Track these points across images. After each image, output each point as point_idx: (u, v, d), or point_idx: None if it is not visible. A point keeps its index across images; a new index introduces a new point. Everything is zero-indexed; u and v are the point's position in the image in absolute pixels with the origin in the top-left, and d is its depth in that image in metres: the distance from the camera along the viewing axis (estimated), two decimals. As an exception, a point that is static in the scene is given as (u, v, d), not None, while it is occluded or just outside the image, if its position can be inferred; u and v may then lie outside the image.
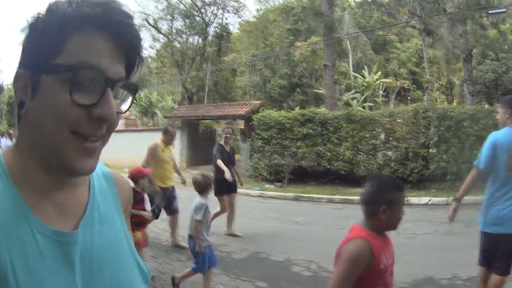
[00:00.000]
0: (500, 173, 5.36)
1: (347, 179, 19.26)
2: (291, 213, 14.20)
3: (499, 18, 32.48)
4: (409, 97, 40.87)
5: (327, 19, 27.49)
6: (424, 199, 15.57)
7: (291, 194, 17.61)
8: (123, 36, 1.10)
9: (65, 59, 1.03)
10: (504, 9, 25.81)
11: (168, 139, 9.87)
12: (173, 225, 9.93)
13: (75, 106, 1.03)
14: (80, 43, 1.05)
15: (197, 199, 6.96)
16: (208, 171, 9.51)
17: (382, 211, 3.02)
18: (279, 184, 20.08)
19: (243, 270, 8.06)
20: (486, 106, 20.38)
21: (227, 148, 10.97)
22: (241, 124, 24.32)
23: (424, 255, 8.75)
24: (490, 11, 25.01)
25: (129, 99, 1.20)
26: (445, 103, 36.71)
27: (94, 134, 1.08)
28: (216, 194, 10.04)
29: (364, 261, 2.90)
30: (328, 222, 12.83)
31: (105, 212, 1.28)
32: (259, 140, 21.23)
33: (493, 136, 5.46)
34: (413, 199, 15.48)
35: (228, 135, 11.12)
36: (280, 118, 21.16)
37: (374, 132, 19.73)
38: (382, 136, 19.59)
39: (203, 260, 6.80)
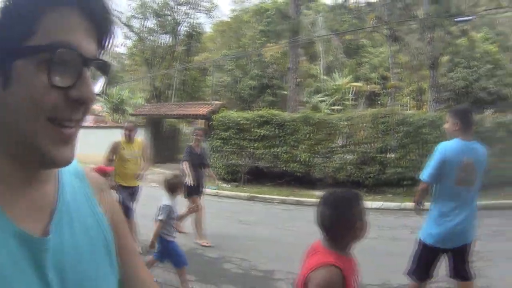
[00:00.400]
0: (449, 186, 5.34)
1: (303, 181, 19.29)
2: (242, 212, 14.42)
3: (470, 27, 32.85)
4: (379, 102, 41.02)
5: (293, 22, 27.57)
6: (377, 204, 15.56)
7: (245, 194, 17.72)
8: (96, 12, 1.04)
9: (40, 40, 0.95)
10: (472, 17, 26.01)
11: (125, 135, 9.67)
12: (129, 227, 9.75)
13: (53, 90, 0.96)
14: (54, 21, 0.98)
15: (164, 199, 7.04)
16: (171, 169, 9.48)
17: (358, 228, 2.92)
18: (236, 184, 20.06)
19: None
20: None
21: (197, 150, 10.71)
22: (201, 123, 24.30)
23: (362, 260, 8.59)
24: (456, 19, 25.12)
25: (102, 80, 1.12)
26: (415, 108, 36.97)
27: (71, 118, 1.01)
28: (186, 197, 9.94)
29: None
30: (274, 222, 13.05)
31: (77, 212, 1.19)
32: (218, 140, 21.15)
33: (442, 149, 5.40)
34: (367, 203, 15.37)
35: (199, 137, 10.89)
36: (239, 119, 21.06)
37: (331, 135, 19.59)
38: (340, 139, 19.53)
39: (175, 254, 7.00)
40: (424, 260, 5.50)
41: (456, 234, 5.31)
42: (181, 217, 8.22)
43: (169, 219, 6.91)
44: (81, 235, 1.15)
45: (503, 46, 37.46)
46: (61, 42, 0.95)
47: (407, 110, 32.20)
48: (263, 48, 35.14)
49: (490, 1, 29.08)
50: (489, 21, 37.79)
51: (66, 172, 1.20)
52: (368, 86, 41.54)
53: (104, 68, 1.09)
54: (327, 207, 2.94)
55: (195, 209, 9.86)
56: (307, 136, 19.69)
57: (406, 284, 6.43)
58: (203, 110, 25.26)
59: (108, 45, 1.10)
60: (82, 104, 1.00)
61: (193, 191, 10.15)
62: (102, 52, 1.09)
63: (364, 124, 18.88)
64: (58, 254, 1.06)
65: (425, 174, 5.47)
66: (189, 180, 9.82)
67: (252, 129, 20.74)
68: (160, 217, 6.76)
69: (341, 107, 35.40)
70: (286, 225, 12.63)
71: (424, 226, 5.54)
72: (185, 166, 10.18)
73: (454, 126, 5.46)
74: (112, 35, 1.09)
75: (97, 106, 48.49)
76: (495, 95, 32.41)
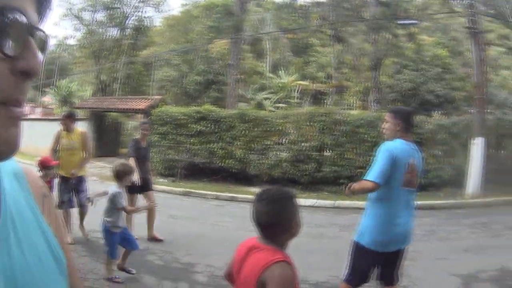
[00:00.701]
0: (395, 188, 5.13)
1: (239, 177, 19.45)
2: (174, 207, 14.46)
3: (418, 30, 33.37)
4: (324, 101, 41.25)
5: (236, 19, 27.67)
6: (311, 201, 15.73)
7: (180, 189, 17.74)
8: None
9: None
10: (415, 21, 26.34)
11: (63, 124, 9.70)
12: (80, 217, 9.78)
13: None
14: None
15: (112, 187, 7.14)
16: (112, 163, 9.33)
17: (294, 224, 2.96)
18: (173, 179, 20.02)
19: (100, 253, 8.03)
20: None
21: (143, 144, 10.40)
22: (140, 118, 24.31)
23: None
24: (399, 21, 25.43)
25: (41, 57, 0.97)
26: (360, 108, 37.35)
27: (17, 93, 0.90)
28: (128, 191, 9.34)
29: (293, 285, 2.80)
30: (205, 217, 13.25)
31: (23, 226, 1.04)
32: (156, 135, 20.98)
33: (390, 149, 5.17)
34: (300, 201, 15.45)
35: (145, 131, 10.56)
36: (177, 114, 21.06)
37: (267, 132, 19.70)
38: (275, 137, 19.61)
39: (112, 246, 7.12)
40: (365, 266, 5.27)
41: (400, 238, 5.19)
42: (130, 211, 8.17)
43: (113, 209, 7.00)
44: (31, 255, 1.01)
45: (454, 51, 38.07)
46: (8, 6, 0.86)
47: (352, 110, 32.41)
48: (207, 44, 35.17)
49: (442, 6, 29.49)
50: (443, 27, 38.35)
51: (3, 172, 1.07)
52: (314, 85, 41.76)
53: (44, 41, 0.99)
54: (263, 205, 2.96)
55: (134, 210, 9.20)
56: (243, 132, 19.84)
57: (323, 282, 6.57)
58: (142, 104, 25.32)
59: (46, 17, 1.02)
60: (30, 76, 0.90)
61: (136, 187, 9.75)
62: (42, 24, 1.00)
63: (301, 123, 18.98)
64: (10, 283, 0.94)
65: (374, 175, 5.11)
66: (136, 177, 9.34)
67: (189, 125, 20.78)
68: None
69: (286, 105, 35.53)
70: (215, 220, 12.77)
71: (364, 230, 5.24)
72: (131, 162, 9.52)
73: (395, 127, 5.33)
74: (51, 8, 1.02)
75: (46, 98, 47.99)
76: (443, 98, 32.88)
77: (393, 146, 5.18)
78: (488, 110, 21.66)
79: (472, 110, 19.06)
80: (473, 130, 18.26)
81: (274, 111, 27.23)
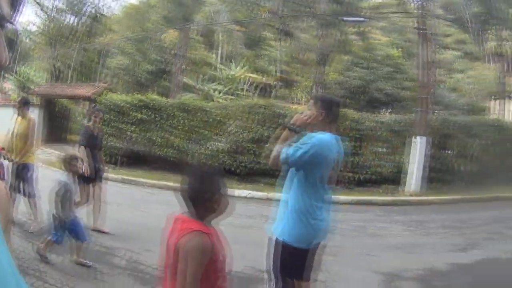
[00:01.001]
0: (317, 183, 4.78)
1: (177, 166, 19.21)
2: (110, 194, 13.96)
3: (368, 29, 33.69)
4: (273, 94, 41.37)
5: (184, 10, 27.83)
6: (244, 192, 15.87)
7: (119, 177, 17.70)
8: None
9: None
10: (361, 19, 26.55)
11: (17, 110, 9.62)
12: (32, 209, 9.47)
13: None
14: None
15: (62, 177, 7.11)
16: (61, 150, 9.20)
17: (216, 200, 3.05)
18: (113, 166, 19.90)
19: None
20: (351, 110, 20.89)
21: (95, 131, 10.05)
22: (86, 105, 24.37)
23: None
24: (345, 18, 25.58)
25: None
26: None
27: None
28: (81, 182, 8.93)
29: (208, 255, 2.92)
30: (138, 205, 13.48)
31: None
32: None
33: (318, 142, 4.69)
34: (234, 191, 15.46)
35: (97, 118, 10.16)
36: (119, 102, 21.31)
37: (206, 123, 19.85)
38: (214, 127, 19.71)
39: (62, 233, 7.08)
40: (295, 265, 4.83)
41: (321, 233, 4.89)
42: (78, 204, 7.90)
43: (65, 198, 6.95)
44: None
45: (408, 52, 38.42)
46: None
47: (300, 104, 32.59)
48: (158, 33, 35.33)
49: (397, 7, 29.82)
50: (400, 28, 38.70)
51: None
52: (264, 78, 41.85)
53: (15, 34, 0.99)
54: (188, 179, 3.11)
55: (84, 201, 8.91)
56: (182, 122, 20.04)
57: (238, 271, 6.62)
58: (89, 92, 25.42)
59: (20, 10, 1.01)
60: None
61: (87, 179, 9.35)
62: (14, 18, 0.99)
63: (240, 114, 19.27)
64: None
65: (296, 154, 4.61)
66: (85, 168, 8.97)
67: (131, 113, 20.87)
68: (56, 194, 6.91)
69: (234, 97, 35.58)
70: (147, 207, 12.90)
71: (285, 227, 4.84)
72: (81, 151, 9.51)
73: (318, 116, 4.89)
74: (24, 2, 1.00)
75: (6, 84, 47.57)
76: (392, 97, 33.10)
77: (321, 140, 4.74)
78: (436, 111, 21.85)
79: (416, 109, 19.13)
80: (415, 129, 18.53)
81: (220, 103, 27.30)
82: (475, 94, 38.75)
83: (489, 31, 30.52)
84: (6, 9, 0.91)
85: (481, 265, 9.01)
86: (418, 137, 18.03)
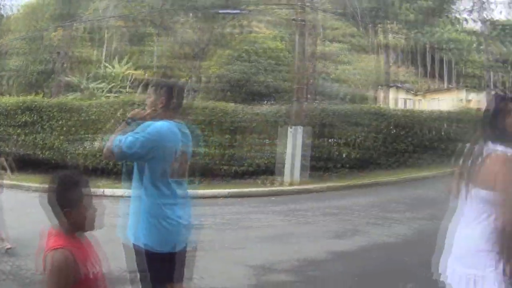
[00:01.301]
0: (159, 178, 4.33)
1: (59, 168, 19.18)
2: None
3: (247, 22, 34.26)
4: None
5: (70, 7, 27.62)
6: (119, 191, 15.74)
7: (6, 182, 17.19)
8: None
9: None
10: (238, 11, 26.94)
11: None
12: None
13: None
14: None
15: None
16: None
17: (66, 214, 2.86)
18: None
19: None
20: (232, 103, 21.21)
21: None
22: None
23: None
24: (220, 11, 25.87)
25: None
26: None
27: None
28: None
29: (70, 273, 2.75)
30: (19, 209, 12.91)
31: None
32: (-15, 127, 20.99)
33: (155, 130, 4.24)
34: (108, 191, 15.18)
35: None
36: (6, 105, 21.16)
37: (83, 122, 19.72)
38: (90, 127, 19.71)
39: None
40: (162, 270, 4.32)
41: (182, 233, 4.42)
42: None
43: None
44: None
45: (292, 45, 39.30)
46: None
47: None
48: (45, 32, 34.72)
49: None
50: (285, 21, 39.43)
51: None
52: (146, 74, 41.72)
53: None
54: (51, 187, 2.92)
55: None
56: (61, 123, 19.98)
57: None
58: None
59: None
60: None
61: None
62: None
63: (112, 112, 19.18)
64: None
65: (125, 143, 4.15)
66: None
67: (16, 116, 20.65)
68: None
69: (118, 95, 35.32)
70: (31, 212, 12.12)
71: (141, 231, 4.35)
72: None
73: (159, 103, 4.46)
74: None
75: None
76: (273, 89, 33.58)
77: (161, 129, 4.29)
78: (317, 101, 22.41)
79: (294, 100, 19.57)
80: (291, 119, 18.70)
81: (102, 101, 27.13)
82: (361, 85, 40.25)
83: (378, 25, 31.75)
84: None
85: (363, 251, 9.01)
86: (294, 127, 18.04)
